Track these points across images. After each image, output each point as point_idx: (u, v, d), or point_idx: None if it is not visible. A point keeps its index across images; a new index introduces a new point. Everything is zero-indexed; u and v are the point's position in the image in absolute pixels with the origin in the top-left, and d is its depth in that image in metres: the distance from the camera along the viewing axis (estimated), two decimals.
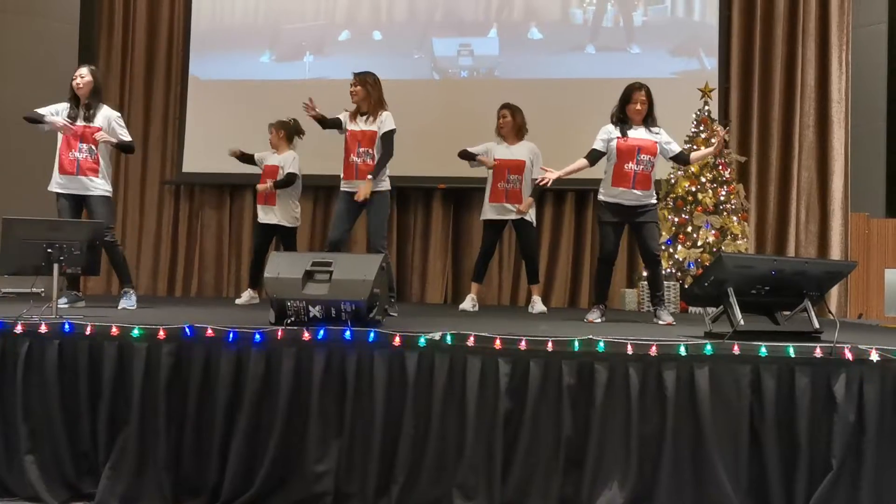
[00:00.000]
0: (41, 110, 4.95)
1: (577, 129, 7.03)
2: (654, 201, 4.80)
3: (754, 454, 3.04)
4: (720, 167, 6.67)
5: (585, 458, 3.09)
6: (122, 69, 8.07)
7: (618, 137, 4.72)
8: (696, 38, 7.30)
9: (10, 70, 7.48)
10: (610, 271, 4.88)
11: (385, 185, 5.13)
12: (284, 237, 6.00)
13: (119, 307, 4.79)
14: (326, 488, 3.18)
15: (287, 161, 5.90)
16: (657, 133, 4.77)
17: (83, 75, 4.98)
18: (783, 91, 7.29)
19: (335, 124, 5.21)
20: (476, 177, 7.16)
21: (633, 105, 4.72)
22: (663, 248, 6.61)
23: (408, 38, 7.65)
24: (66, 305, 4.74)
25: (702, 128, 6.74)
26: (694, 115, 6.78)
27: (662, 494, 3.02)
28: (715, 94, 6.95)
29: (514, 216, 5.68)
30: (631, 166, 4.67)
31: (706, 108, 6.81)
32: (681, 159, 4.89)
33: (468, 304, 5.76)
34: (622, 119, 4.76)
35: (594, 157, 4.78)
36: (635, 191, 4.68)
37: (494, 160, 5.70)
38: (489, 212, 5.77)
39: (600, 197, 4.82)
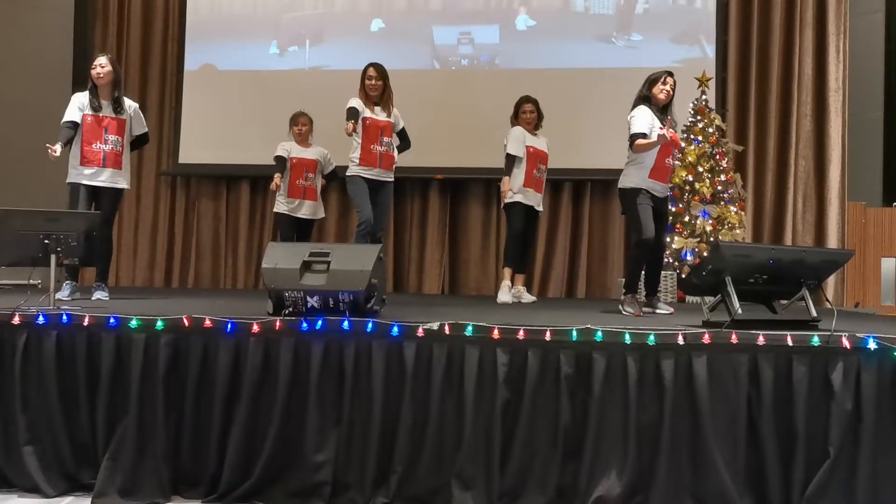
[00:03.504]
0: (68, 120, 4.81)
1: (578, 118, 7.06)
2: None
3: (752, 442, 3.04)
4: (717, 157, 6.67)
5: (583, 448, 3.09)
6: (118, 59, 8.01)
7: (661, 127, 4.49)
8: (698, 27, 7.28)
9: (4, 61, 7.45)
10: (645, 257, 4.65)
11: (393, 178, 5.41)
12: (308, 228, 6.01)
13: (94, 297, 4.75)
14: (325, 478, 3.18)
15: (324, 154, 5.95)
16: (675, 125, 4.72)
17: (103, 65, 4.86)
18: (780, 80, 7.29)
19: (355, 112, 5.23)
20: (474, 167, 7.16)
21: (663, 87, 4.51)
22: None
23: (408, 26, 7.63)
24: (69, 298, 4.73)
25: (699, 117, 6.74)
26: (691, 105, 6.77)
27: (660, 483, 3.03)
28: (712, 84, 6.95)
29: (537, 208, 5.64)
30: (670, 161, 4.62)
31: (703, 97, 6.80)
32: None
33: (506, 295, 5.54)
34: (649, 100, 4.53)
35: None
36: (666, 184, 4.69)
37: (529, 147, 5.51)
38: (527, 196, 5.52)
39: (636, 184, 4.54)
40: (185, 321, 3.29)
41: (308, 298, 3.44)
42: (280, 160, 5.78)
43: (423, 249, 7.60)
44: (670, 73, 4.64)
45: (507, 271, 5.60)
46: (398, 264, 7.62)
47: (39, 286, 4.89)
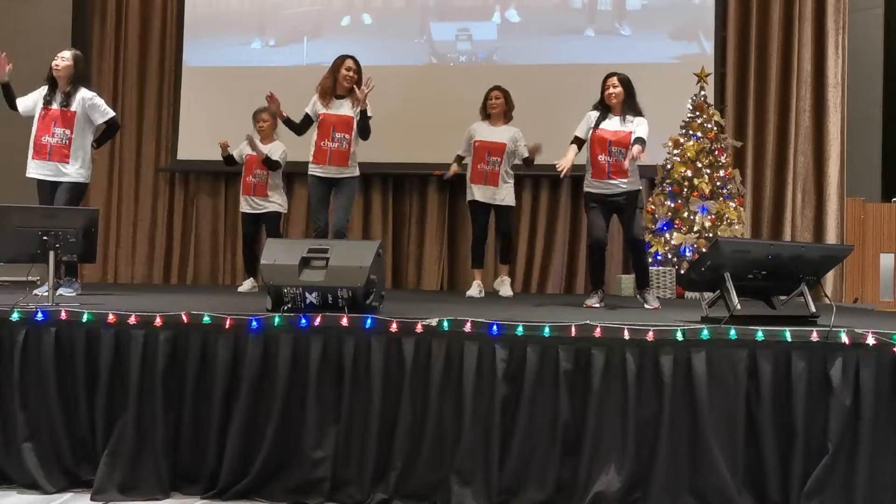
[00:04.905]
0: (20, 103, 4.92)
1: (576, 114, 6.99)
2: (636, 188, 4.78)
3: (751, 438, 3.05)
4: (716, 152, 6.66)
5: (582, 443, 3.09)
6: (116, 56, 8.03)
7: (592, 128, 4.75)
8: (696, 22, 7.28)
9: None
10: (601, 258, 4.88)
11: (356, 171, 5.28)
12: (270, 222, 5.97)
13: (57, 292, 4.72)
14: (324, 474, 3.18)
15: (276, 151, 5.87)
16: (632, 123, 4.70)
17: (65, 58, 4.86)
18: (779, 75, 7.29)
19: (307, 122, 5.25)
20: None
21: (605, 91, 4.75)
22: (659, 233, 6.61)
23: (406, 22, 7.62)
24: (73, 293, 4.74)
25: (697, 113, 6.74)
26: (690, 100, 6.77)
27: (659, 478, 3.03)
28: (711, 79, 6.95)
29: (497, 203, 5.69)
30: (604, 158, 4.69)
31: (702, 93, 6.80)
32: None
33: (475, 290, 5.76)
34: (602, 107, 4.77)
35: (578, 143, 4.84)
36: (611, 181, 4.71)
37: (475, 141, 5.67)
38: (475, 192, 5.72)
39: (584, 187, 4.85)
40: (184, 317, 3.29)
41: (307, 294, 3.44)
42: (229, 158, 6.03)
43: (421, 246, 7.60)
44: (612, 74, 4.80)
45: (475, 272, 5.90)
46: (397, 260, 7.62)
47: (38, 283, 4.90)
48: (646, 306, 4.70)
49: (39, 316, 3.33)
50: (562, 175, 4.69)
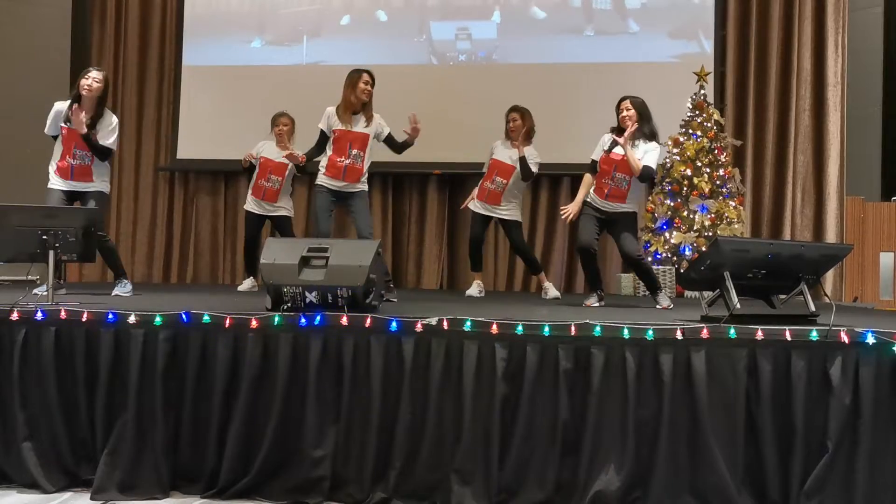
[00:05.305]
0: (51, 129, 4.93)
1: (576, 113, 7.05)
2: (631, 210, 4.82)
3: (750, 437, 3.04)
4: (716, 151, 6.66)
5: (582, 443, 3.09)
6: (116, 54, 8.03)
7: (604, 151, 4.80)
8: (696, 21, 7.28)
9: (2, 57, 7.43)
10: (591, 259, 4.89)
11: (366, 185, 5.20)
12: (283, 227, 5.99)
13: (112, 293, 4.79)
14: (324, 473, 3.18)
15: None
16: (640, 149, 4.71)
17: (97, 80, 4.83)
18: (779, 74, 7.29)
19: (325, 140, 5.15)
20: (472, 162, 7.16)
21: (619, 115, 4.79)
22: (658, 233, 6.62)
23: (406, 21, 7.62)
24: (130, 293, 4.82)
25: (697, 112, 6.74)
26: (690, 99, 6.77)
27: (659, 477, 3.03)
28: (710, 78, 6.95)
29: (498, 216, 5.74)
30: (607, 181, 4.76)
31: (702, 91, 6.80)
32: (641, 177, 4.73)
33: (475, 289, 5.82)
34: (617, 131, 4.80)
35: (593, 168, 4.87)
36: (608, 202, 4.78)
37: (490, 159, 5.76)
38: (477, 206, 5.79)
39: (586, 196, 4.89)
40: (184, 317, 3.29)
41: (307, 294, 3.44)
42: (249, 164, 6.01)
43: (421, 245, 7.61)
44: (624, 98, 4.84)
45: (474, 274, 5.96)
46: (396, 260, 7.62)
47: (38, 282, 4.90)
48: (657, 307, 4.70)
49: (39, 316, 3.34)
50: (567, 221, 4.87)
